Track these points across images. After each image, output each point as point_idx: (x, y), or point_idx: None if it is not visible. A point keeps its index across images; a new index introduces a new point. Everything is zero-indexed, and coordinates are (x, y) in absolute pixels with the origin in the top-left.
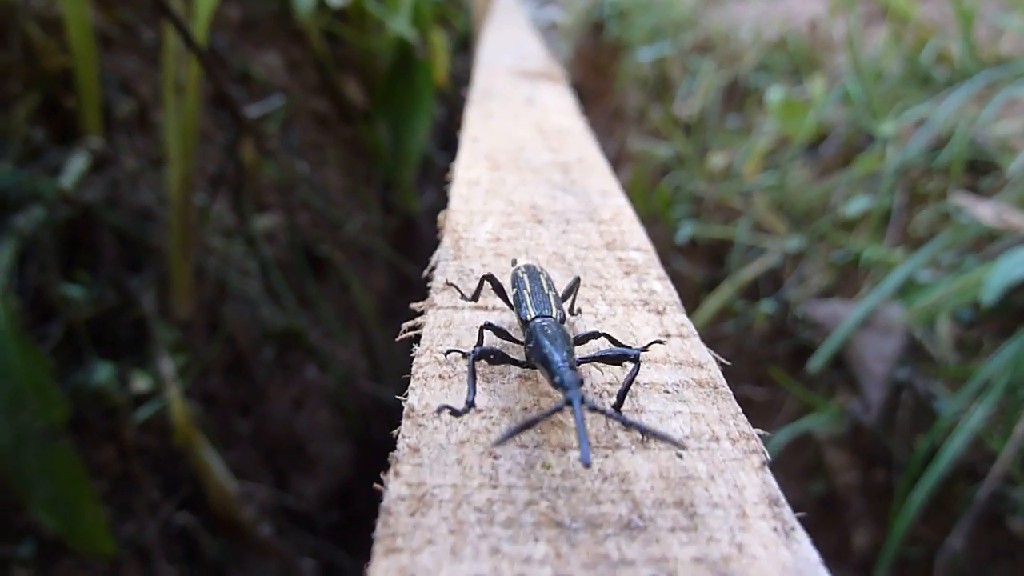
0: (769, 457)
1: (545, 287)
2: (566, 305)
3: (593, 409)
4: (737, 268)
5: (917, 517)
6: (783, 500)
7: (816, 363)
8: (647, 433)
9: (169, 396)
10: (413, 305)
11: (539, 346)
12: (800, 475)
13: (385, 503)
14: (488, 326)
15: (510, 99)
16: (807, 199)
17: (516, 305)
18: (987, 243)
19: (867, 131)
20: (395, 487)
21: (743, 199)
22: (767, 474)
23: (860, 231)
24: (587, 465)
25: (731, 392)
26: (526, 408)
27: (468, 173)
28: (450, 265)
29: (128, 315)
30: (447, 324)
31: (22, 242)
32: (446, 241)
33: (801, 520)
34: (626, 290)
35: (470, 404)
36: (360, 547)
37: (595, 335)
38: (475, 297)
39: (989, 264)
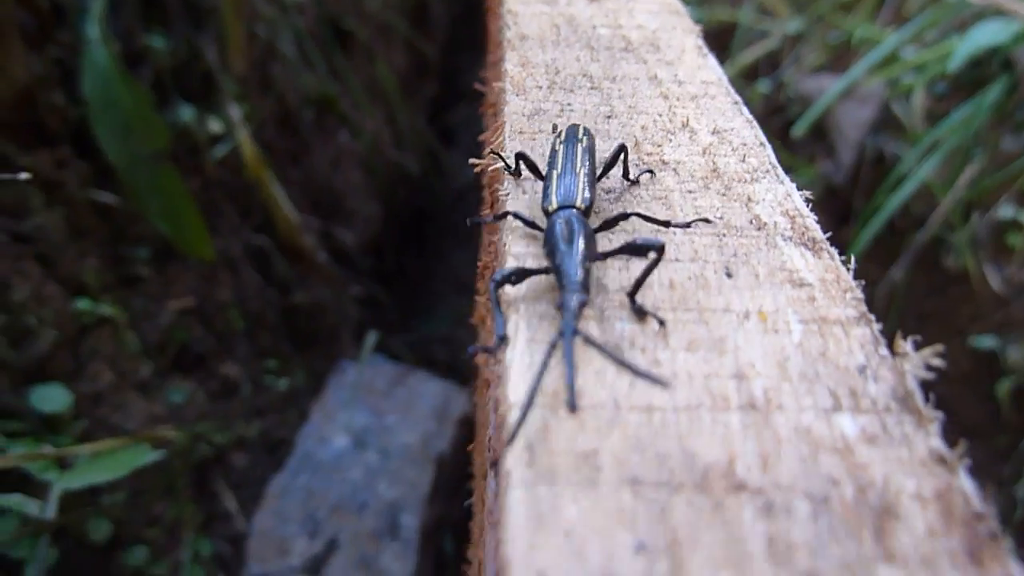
0: (701, 32)
1: (579, 162)
2: (613, 179)
3: (588, 341)
4: (739, 51)
5: (868, 256)
6: (705, 47)
7: (799, 128)
8: (634, 371)
9: (239, 137)
10: None
11: (553, 251)
12: None
13: (504, 74)
14: (515, 215)
15: None
16: None
17: (543, 190)
18: (972, 21)
19: None
20: (509, 66)
21: None
22: (699, 39)
23: (857, 12)
24: (573, 409)
25: (693, 21)
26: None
27: None
28: None
29: (196, 69)
30: None
31: None
32: None
33: None
34: None
35: (501, 338)
36: (393, 287)
37: (624, 216)
38: (515, 173)
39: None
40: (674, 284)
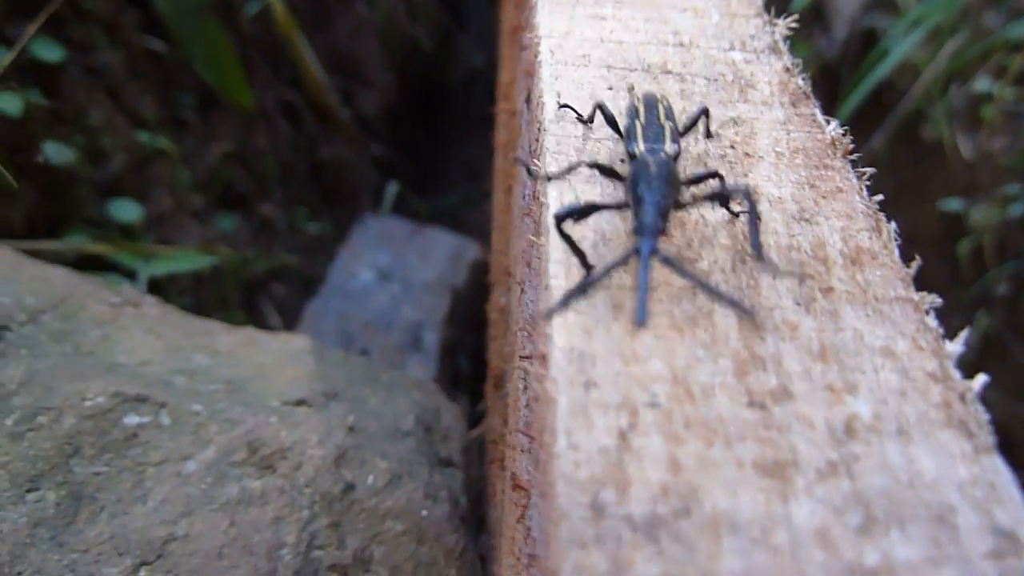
0: None
1: (662, 117)
2: (692, 138)
3: (666, 261)
4: None
5: (853, 130)
6: None
7: (797, 3)
8: (718, 298)
9: None
10: None
11: (635, 183)
12: None
13: None
14: (594, 165)
15: None
16: None
17: (625, 137)
18: None
19: None
20: None
21: None
22: None
23: None
24: (641, 323)
25: None
26: None
27: None
28: None
29: None
30: None
31: None
32: None
33: None
34: None
35: (587, 276)
36: (409, 151)
37: (712, 174)
38: (590, 120)
39: None
40: None
